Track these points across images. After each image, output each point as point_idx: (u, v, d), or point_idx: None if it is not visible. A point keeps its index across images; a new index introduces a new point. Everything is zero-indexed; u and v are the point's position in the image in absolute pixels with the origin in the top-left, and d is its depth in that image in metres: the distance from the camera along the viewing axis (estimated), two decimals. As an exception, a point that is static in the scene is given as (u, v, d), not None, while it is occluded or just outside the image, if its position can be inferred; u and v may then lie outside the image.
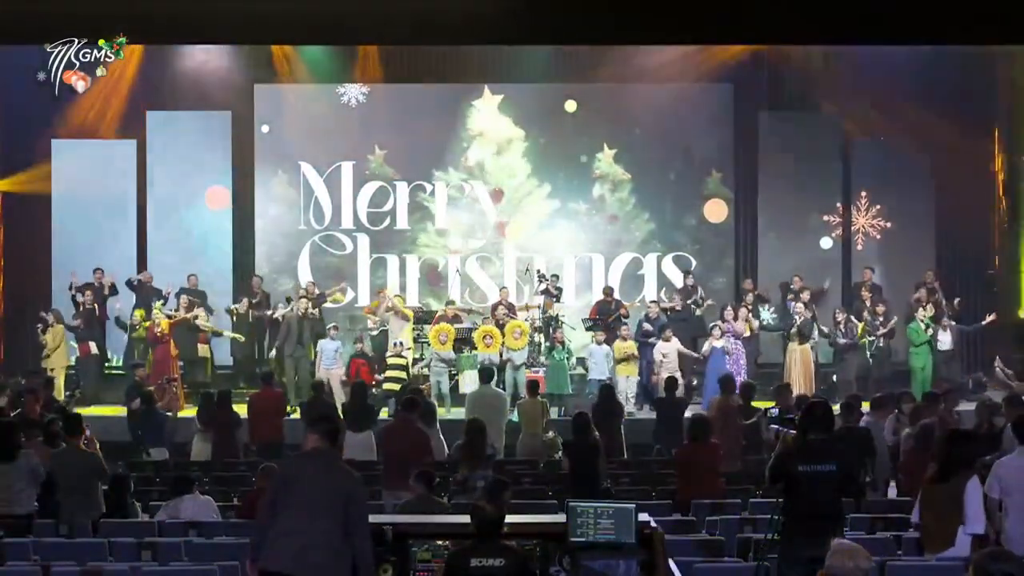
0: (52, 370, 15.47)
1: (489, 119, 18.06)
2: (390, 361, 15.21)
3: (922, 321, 15.77)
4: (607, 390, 13.33)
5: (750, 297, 16.57)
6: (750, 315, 16.02)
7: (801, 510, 7.00)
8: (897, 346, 16.31)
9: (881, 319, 16.04)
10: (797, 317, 15.84)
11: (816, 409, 7.50)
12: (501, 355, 15.18)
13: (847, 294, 17.33)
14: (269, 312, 16.31)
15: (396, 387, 14.80)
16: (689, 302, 16.53)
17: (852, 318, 16.06)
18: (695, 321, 16.43)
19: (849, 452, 7.88)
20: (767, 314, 17.01)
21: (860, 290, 16.69)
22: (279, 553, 5.81)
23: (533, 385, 13.34)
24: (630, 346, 15.46)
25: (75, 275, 16.42)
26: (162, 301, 16.18)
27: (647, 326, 15.81)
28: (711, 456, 9.78)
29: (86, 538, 8.16)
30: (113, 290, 16.51)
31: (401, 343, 15.40)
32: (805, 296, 16.08)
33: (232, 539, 7.88)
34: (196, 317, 15.93)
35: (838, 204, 17.78)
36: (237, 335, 16.35)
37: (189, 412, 14.40)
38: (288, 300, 16.25)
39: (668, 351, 15.38)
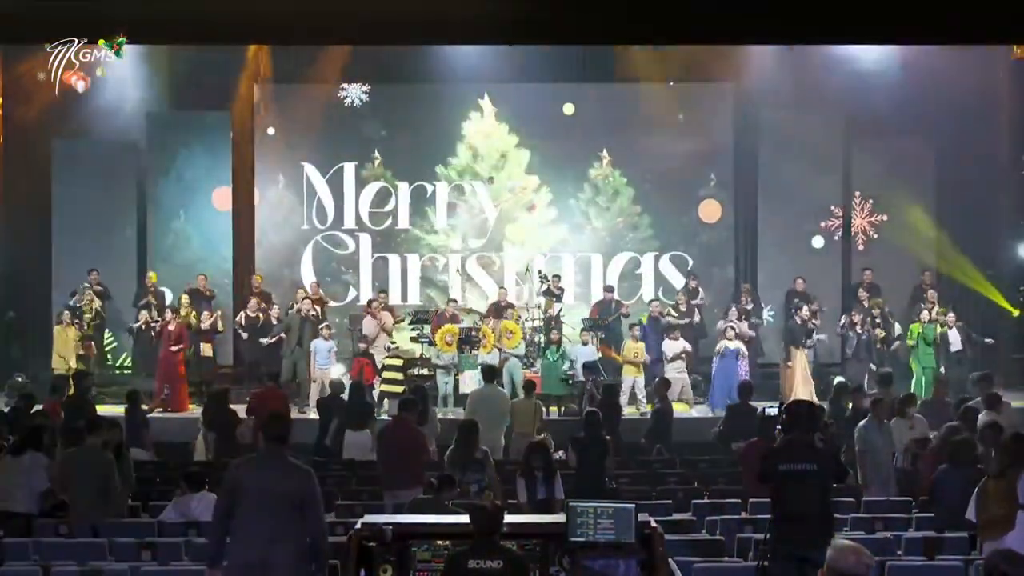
0: (68, 369, 15.48)
1: (490, 119, 18.09)
2: (387, 363, 15.19)
3: (930, 322, 15.74)
4: (610, 389, 13.34)
5: (747, 299, 16.58)
6: (747, 317, 16.07)
7: (786, 509, 7.05)
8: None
9: (879, 320, 16.04)
10: (798, 320, 15.83)
11: (798, 409, 7.54)
12: (500, 355, 15.18)
13: (846, 295, 17.32)
14: (270, 313, 16.32)
15: (396, 388, 14.79)
16: (693, 304, 16.55)
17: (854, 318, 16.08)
18: (697, 323, 16.46)
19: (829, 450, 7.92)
20: (767, 314, 17.09)
21: (858, 291, 16.68)
22: (239, 557, 6.16)
23: (529, 385, 13.30)
24: (639, 347, 15.46)
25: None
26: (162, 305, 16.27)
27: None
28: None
29: (86, 538, 8.16)
30: (107, 294, 16.55)
31: (395, 345, 15.35)
32: (813, 306, 16.07)
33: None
34: (198, 317, 15.97)
35: (838, 204, 17.79)
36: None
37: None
38: (293, 307, 16.23)
39: (675, 351, 15.40)
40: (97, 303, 16.24)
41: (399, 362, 15.19)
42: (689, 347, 15.67)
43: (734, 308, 16.20)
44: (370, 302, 16.45)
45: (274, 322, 16.17)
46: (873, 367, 15.68)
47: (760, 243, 18.02)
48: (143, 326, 16.16)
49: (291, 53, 17.34)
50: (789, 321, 16.05)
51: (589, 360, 15.03)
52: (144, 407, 13.29)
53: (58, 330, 15.93)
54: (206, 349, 16.02)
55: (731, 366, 15.31)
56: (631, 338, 15.59)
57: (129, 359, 16.98)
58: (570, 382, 15.07)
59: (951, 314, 15.96)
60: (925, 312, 15.83)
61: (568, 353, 15.30)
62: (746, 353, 15.54)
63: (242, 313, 16.38)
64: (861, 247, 17.74)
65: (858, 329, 15.86)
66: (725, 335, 15.52)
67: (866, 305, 16.23)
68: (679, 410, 14.50)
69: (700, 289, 16.86)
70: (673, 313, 16.38)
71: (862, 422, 10.51)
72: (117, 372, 17.00)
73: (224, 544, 6.30)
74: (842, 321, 16.14)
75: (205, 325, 15.95)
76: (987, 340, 16.16)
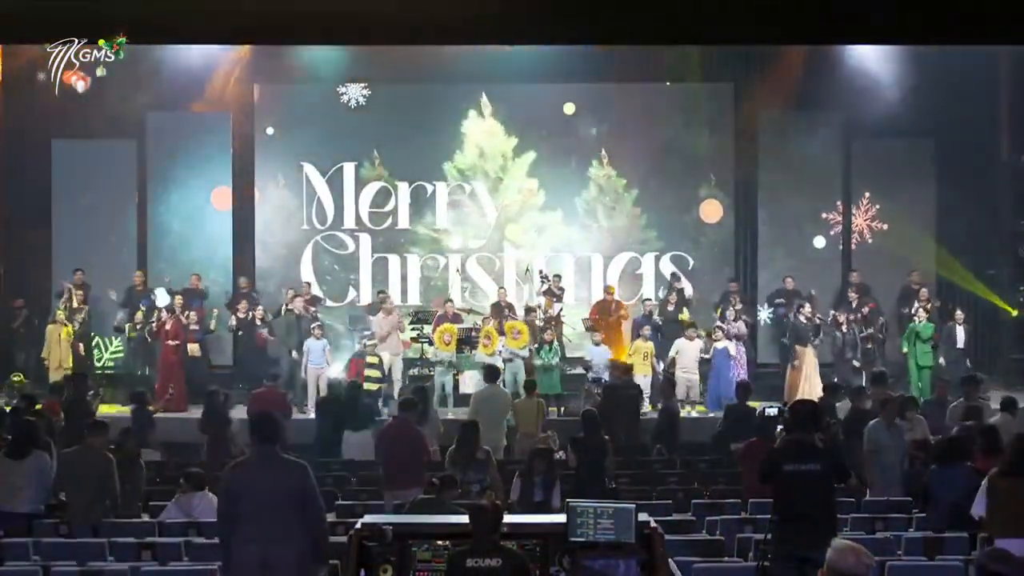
0: (60, 366, 15.45)
1: (489, 119, 18.08)
2: (368, 360, 15.12)
3: (925, 320, 15.70)
4: (610, 391, 13.32)
5: (736, 299, 16.56)
6: (740, 316, 16.08)
7: (790, 509, 7.03)
8: (893, 345, 16.32)
9: (863, 319, 16.06)
10: (803, 320, 15.81)
11: (801, 408, 7.52)
12: (500, 355, 15.16)
13: (843, 294, 17.31)
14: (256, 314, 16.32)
15: (373, 386, 14.74)
16: (683, 305, 16.55)
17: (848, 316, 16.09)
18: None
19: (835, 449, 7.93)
20: (765, 313, 17.09)
21: (848, 291, 16.68)
22: (240, 557, 6.18)
23: (530, 384, 13.29)
24: (648, 347, 15.45)
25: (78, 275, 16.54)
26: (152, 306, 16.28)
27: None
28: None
29: (86, 538, 8.16)
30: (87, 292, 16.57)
31: (373, 343, 15.31)
32: (812, 305, 16.07)
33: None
34: (188, 316, 15.96)
35: (838, 204, 17.79)
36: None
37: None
38: (283, 309, 16.21)
39: (692, 350, 15.39)
40: (77, 301, 16.23)
41: (376, 360, 15.16)
42: (704, 346, 15.64)
43: (731, 309, 16.17)
44: (383, 299, 16.31)
45: (258, 323, 16.14)
46: (856, 364, 15.72)
47: (760, 243, 18.01)
48: (138, 325, 16.13)
49: (291, 53, 17.31)
50: (793, 320, 16.00)
51: (612, 361, 14.97)
52: (150, 407, 13.28)
53: (50, 329, 15.93)
54: (193, 349, 15.98)
55: (722, 366, 15.30)
56: (641, 338, 15.57)
57: (123, 359, 16.93)
58: (596, 382, 14.99)
59: (960, 312, 15.97)
60: (921, 310, 15.82)
61: (556, 351, 15.24)
62: (738, 352, 15.51)
63: (232, 316, 16.39)
64: (854, 247, 17.72)
65: (844, 328, 15.89)
66: (713, 336, 15.52)
67: (854, 305, 16.22)
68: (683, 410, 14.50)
69: (685, 289, 16.79)
70: (657, 312, 16.36)
71: (871, 422, 10.49)
72: (115, 373, 16.95)
73: (232, 551, 6.30)
74: (828, 318, 16.16)
75: (192, 324, 15.92)
76: (974, 371, 16.08)
